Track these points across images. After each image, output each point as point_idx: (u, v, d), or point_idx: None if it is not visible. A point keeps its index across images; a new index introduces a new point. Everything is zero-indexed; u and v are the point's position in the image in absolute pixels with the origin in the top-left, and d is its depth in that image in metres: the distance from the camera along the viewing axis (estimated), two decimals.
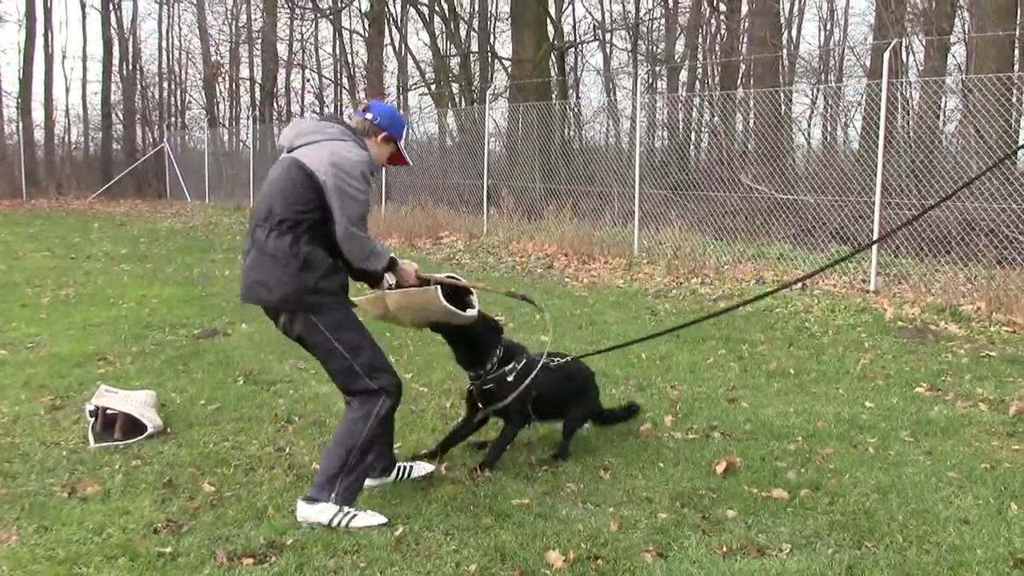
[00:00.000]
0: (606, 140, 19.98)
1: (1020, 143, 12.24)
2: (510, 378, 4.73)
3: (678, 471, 4.79)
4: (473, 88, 26.16)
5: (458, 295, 4.51)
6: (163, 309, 9.48)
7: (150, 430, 5.20)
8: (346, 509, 3.98)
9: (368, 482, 4.38)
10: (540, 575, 3.60)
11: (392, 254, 4.25)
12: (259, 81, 37.72)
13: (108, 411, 5.20)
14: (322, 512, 3.97)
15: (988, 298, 8.64)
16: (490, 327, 4.79)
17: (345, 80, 35.49)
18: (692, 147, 19.02)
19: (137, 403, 5.34)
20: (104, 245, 15.78)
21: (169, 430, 5.37)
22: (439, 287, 4.35)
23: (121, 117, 38.06)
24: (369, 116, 4.25)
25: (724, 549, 3.85)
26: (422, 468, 4.64)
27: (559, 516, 4.15)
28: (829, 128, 19.88)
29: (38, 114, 36.36)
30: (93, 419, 5.24)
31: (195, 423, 5.54)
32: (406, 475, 4.58)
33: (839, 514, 4.23)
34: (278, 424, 5.54)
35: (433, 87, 29.21)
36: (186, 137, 36.40)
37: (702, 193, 14.03)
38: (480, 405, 4.84)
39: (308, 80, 39.23)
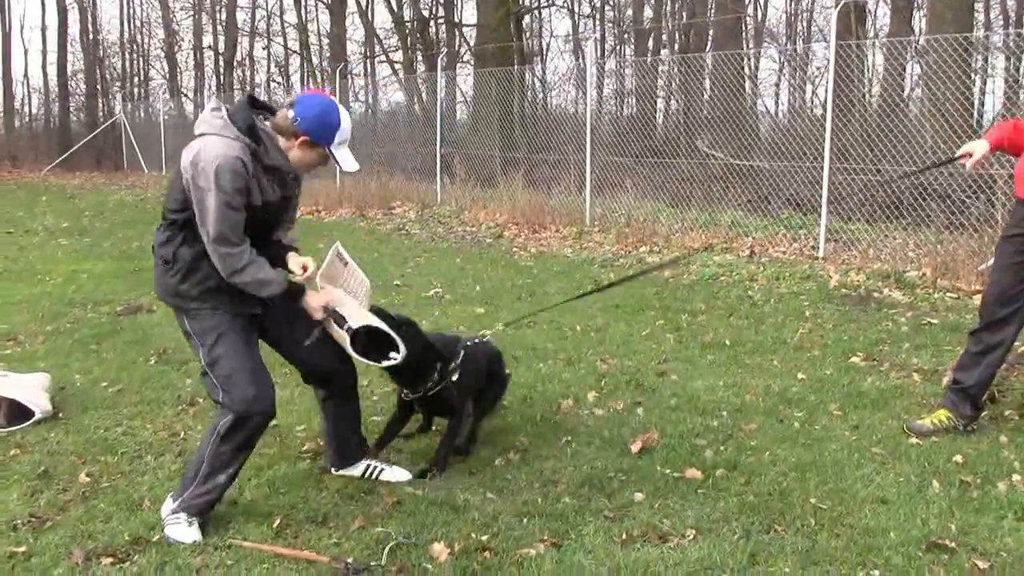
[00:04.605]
0: (563, 107, 19.65)
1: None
2: (455, 377, 4.33)
3: (591, 451, 4.56)
4: (432, 55, 25.72)
5: (388, 338, 3.90)
6: (91, 285, 9.15)
7: (37, 415, 4.92)
8: (179, 515, 3.63)
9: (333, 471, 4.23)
10: (421, 569, 3.36)
11: (286, 281, 3.69)
12: (221, 51, 37.09)
13: None
14: (165, 507, 3.72)
15: (934, 264, 8.46)
16: (429, 352, 4.23)
17: (308, 49, 34.88)
18: (648, 114, 18.73)
19: (27, 387, 5.07)
20: (46, 219, 15.36)
21: (61, 415, 5.09)
22: (349, 337, 3.81)
23: (83, 87, 37.36)
24: (291, 115, 3.54)
25: (624, 536, 3.62)
26: (396, 474, 4.24)
27: (454, 504, 3.91)
28: (790, 93, 19.67)
29: None
30: None
31: (91, 407, 5.26)
32: (374, 474, 4.22)
33: (752, 495, 4.02)
34: (179, 407, 5.27)
35: (396, 55, 28.78)
36: (148, 108, 35.75)
37: (658, 160, 13.78)
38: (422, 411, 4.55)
39: (265, 48, 38.59)
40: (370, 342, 3.88)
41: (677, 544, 3.57)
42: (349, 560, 3.35)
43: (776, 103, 23.32)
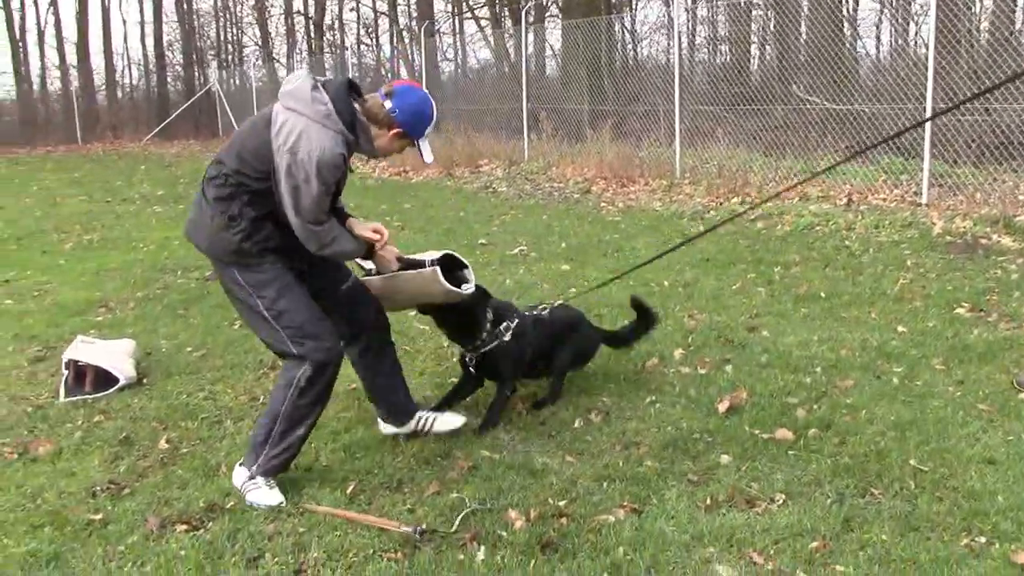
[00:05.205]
0: (653, 56, 19.14)
1: None
2: (507, 337, 4.28)
3: (676, 411, 4.39)
4: (518, 8, 25.38)
5: (451, 270, 4.02)
6: (182, 251, 9.26)
7: (122, 382, 4.96)
8: (258, 480, 3.59)
9: (388, 429, 4.17)
10: (495, 536, 3.25)
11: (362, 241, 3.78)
12: (310, 16, 37.39)
13: (79, 364, 4.97)
14: (238, 477, 3.66)
15: None
16: (477, 295, 4.25)
17: (395, 10, 34.80)
18: (742, 60, 18.12)
19: (113, 354, 5.11)
20: (143, 187, 15.69)
21: (145, 381, 5.13)
22: (439, 268, 3.89)
23: (181, 57, 38.19)
24: (388, 105, 3.54)
25: (708, 501, 3.45)
26: (449, 420, 4.18)
27: (532, 468, 3.79)
28: (891, 34, 18.78)
29: (97, 59, 36.73)
30: (67, 372, 5.02)
31: (175, 372, 5.29)
32: (427, 425, 4.16)
33: (847, 457, 3.80)
34: (260, 371, 5.26)
35: (482, 11, 28.53)
36: (242, 75, 36.27)
37: (751, 107, 13.30)
38: (474, 372, 4.44)
39: (353, 10, 38.70)
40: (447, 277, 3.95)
41: (765, 509, 3.39)
42: (421, 527, 3.26)
43: (877, 45, 22.36)
